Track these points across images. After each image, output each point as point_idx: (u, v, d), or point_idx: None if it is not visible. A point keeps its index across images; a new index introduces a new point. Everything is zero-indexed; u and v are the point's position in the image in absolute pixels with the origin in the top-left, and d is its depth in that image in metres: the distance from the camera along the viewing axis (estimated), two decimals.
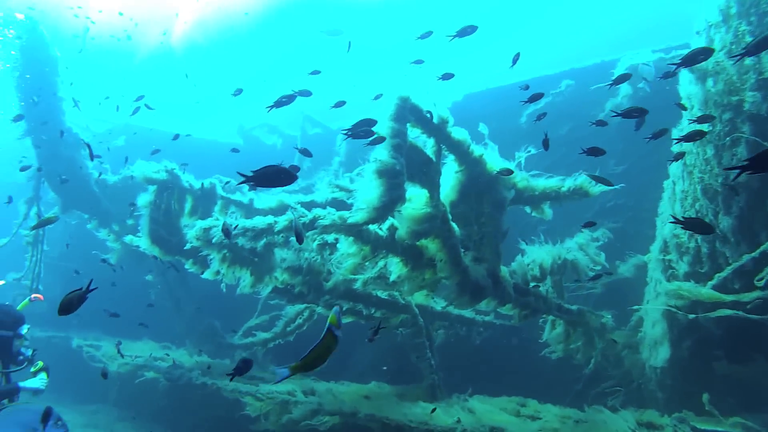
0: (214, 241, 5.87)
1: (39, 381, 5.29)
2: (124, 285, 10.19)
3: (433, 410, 6.98)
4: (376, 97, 7.90)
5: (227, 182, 8.56)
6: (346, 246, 5.64)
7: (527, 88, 6.76)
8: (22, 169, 9.03)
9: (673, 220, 4.77)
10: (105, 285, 10.38)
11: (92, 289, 3.30)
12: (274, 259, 6.37)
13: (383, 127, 5.34)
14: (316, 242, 6.01)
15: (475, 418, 6.80)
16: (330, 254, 6.32)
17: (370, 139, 5.16)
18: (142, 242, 7.23)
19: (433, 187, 5.76)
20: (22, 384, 5.15)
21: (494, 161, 6.55)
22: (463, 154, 6.33)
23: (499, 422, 6.53)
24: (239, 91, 7.64)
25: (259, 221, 5.66)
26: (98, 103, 11.64)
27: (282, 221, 5.54)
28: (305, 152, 5.31)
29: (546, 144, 6.17)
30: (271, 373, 9.12)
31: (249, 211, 8.16)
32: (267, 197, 8.25)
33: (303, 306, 8.29)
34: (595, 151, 5.69)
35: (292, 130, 17.20)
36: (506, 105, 11.79)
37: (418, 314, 7.88)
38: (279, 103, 5.34)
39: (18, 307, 5.73)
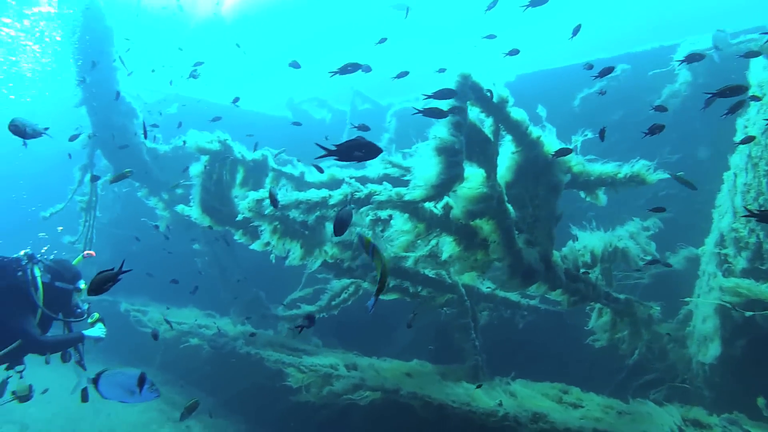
0: (266, 212, 5.90)
1: (99, 330, 5.57)
2: (174, 253, 10.40)
3: (479, 386, 6.95)
4: (440, 71, 7.79)
5: (279, 153, 8.57)
6: (401, 223, 5.60)
7: (591, 67, 6.56)
8: (72, 139, 9.21)
9: (746, 213, 4.57)
10: (155, 252, 10.63)
11: (125, 271, 3.38)
12: (324, 233, 6.38)
13: (444, 105, 5.25)
14: (369, 217, 5.97)
15: (516, 402, 6.74)
16: (382, 230, 6.29)
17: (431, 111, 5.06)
18: (193, 212, 7.31)
19: (490, 167, 5.67)
20: (86, 332, 5.43)
21: (551, 143, 6.41)
22: (521, 135, 6.20)
23: (541, 408, 6.46)
24: (296, 64, 7.60)
25: (314, 194, 5.65)
26: (151, 70, 11.76)
27: (336, 195, 5.52)
28: (363, 127, 5.26)
29: (602, 135, 6.02)
30: (314, 346, 9.22)
31: (300, 183, 8.16)
32: (317, 171, 8.23)
33: (349, 281, 8.31)
34: (654, 129, 5.50)
35: (342, 105, 17.16)
36: (559, 87, 11.55)
37: (465, 294, 7.82)
38: (344, 70, 5.28)
39: (73, 262, 5.92)
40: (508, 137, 6.32)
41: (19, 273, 5.23)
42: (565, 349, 9.05)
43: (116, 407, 8.78)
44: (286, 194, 5.82)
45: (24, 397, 5.17)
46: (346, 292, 8.57)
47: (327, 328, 9.59)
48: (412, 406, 6.89)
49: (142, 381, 3.58)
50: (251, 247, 6.76)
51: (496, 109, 5.91)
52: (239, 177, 7.90)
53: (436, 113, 4.94)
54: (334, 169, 8.16)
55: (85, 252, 6.38)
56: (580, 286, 6.95)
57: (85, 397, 5.28)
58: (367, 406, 7.12)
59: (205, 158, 7.46)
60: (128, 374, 3.57)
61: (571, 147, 6.48)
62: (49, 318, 5.39)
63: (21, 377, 5.32)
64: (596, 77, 6.24)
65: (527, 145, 6.30)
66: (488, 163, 5.71)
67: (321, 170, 5.84)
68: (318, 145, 3.16)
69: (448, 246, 5.87)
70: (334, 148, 3.12)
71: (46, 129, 4.13)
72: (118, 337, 8.30)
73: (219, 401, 9.35)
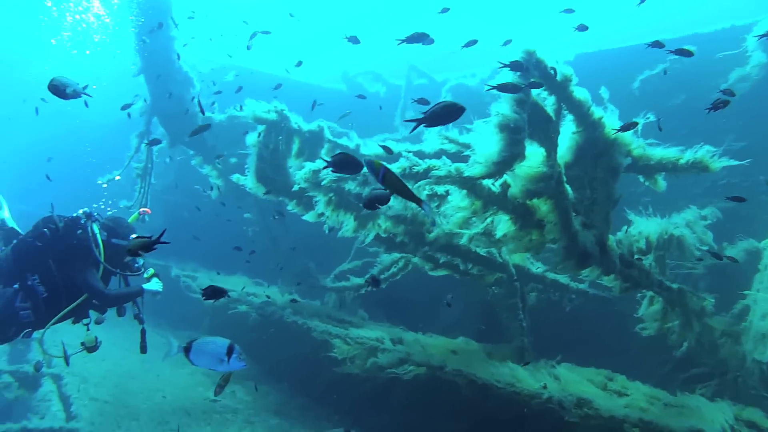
0: (323, 183, 5.94)
1: (157, 284, 5.77)
2: (223, 221, 10.60)
3: (526, 363, 6.93)
4: (505, 43, 7.65)
5: (344, 115, 8.55)
6: (459, 199, 5.57)
7: (661, 45, 6.31)
8: (124, 108, 9.42)
9: None
10: (208, 219, 10.84)
11: (162, 242, 3.50)
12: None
13: (507, 80, 5.16)
14: (426, 192, 5.95)
15: (560, 386, 6.69)
16: (437, 206, 6.27)
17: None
18: (248, 181, 7.42)
19: (551, 146, 5.57)
20: (145, 286, 5.65)
21: (613, 125, 6.25)
22: (583, 116, 6.05)
23: (586, 394, 6.39)
24: (355, 39, 7.56)
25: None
26: (209, 39, 11.89)
27: (394, 169, 5.52)
28: (423, 101, 5.20)
29: (659, 125, 5.85)
30: (360, 318, 9.31)
31: (355, 155, 8.17)
32: (373, 144, 8.21)
33: (398, 255, 8.33)
34: (718, 104, 5.31)
35: (396, 80, 17.07)
36: (619, 68, 11.19)
37: (515, 274, 7.76)
38: (411, 39, 5.23)
39: (129, 220, 6.12)
40: (569, 117, 6.20)
41: (79, 231, 5.43)
42: (612, 336, 8.92)
43: (165, 369, 9.08)
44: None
45: (92, 347, 5.39)
46: (395, 266, 8.59)
47: (374, 301, 9.67)
48: (456, 384, 6.92)
49: (230, 350, 3.70)
50: (304, 217, 6.84)
51: (559, 88, 5.78)
52: (295, 147, 7.95)
53: (510, 88, 4.85)
54: (389, 142, 8.13)
55: (141, 209, 6.57)
56: (634, 273, 6.79)
57: (143, 349, 5.52)
58: (410, 380, 7.18)
59: (261, 127, 7.53)
60: (218, 343, 3.74)
61: (637, 121, 6.32)
62: (108, 273, 5.61)
63: (87, 330, 5.55)
64: (672, 52, 5.97)
65: (588, 125, 6.15)
66: (549, 142, 5.61)
67: (390, 151, 5.75)
68: (406, 120, 3.41)
69: (503, 224, 5.82)
70: (422, 115, 3.15)
71: (86, 87, 4.06)
72: (168, 301, 8.58)
73: (264, 368, 9.54)
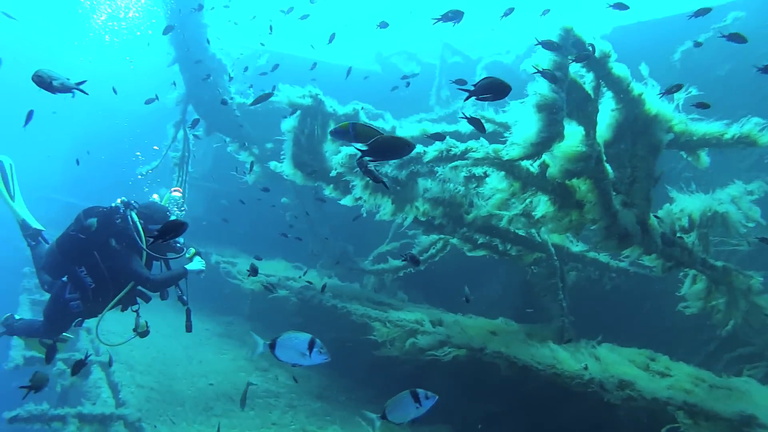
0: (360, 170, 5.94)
1: (199, 263, 5.97)
2: (261, 206, 10.70)
3: (568, 340, 6.89)
4: (544, 13, 7.51)
5: (395, 88, 8.51)
6: (497, 181, 5.54)
7: (707, 11, 6.08)
8: (148, 102, 9.54)
9: None
10: (246, 205, 10.96)
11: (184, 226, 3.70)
12: (417, 189, 6.38)
13: (544, 59, 5.08)
14: (463, 174, 5.91)
15: (601, 367, 6.63)
16: (476, 187, 6.24)
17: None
18: (285, 167, 7.48)
19: (590, 125, 5.47)
20: (188, 266, 5.82)
21: (653, 101, 6.09)
22: (623, 92, 5.91)
23: (628, 375, 6.30)
24: (384, 24, 7.52)
25: None
26: (234, 23, 11.91)
27: (431, 152, 5.50)
28: (461, 81, 5.14)
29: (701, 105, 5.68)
30: (400, 301, 9.36)
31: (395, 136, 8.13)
32: (409, 125, 8.16)
33: (437, 236, 8.33)
34: None
35: (431, 59, 16.88)
36: (659, 41, 10.84)
37: (554, 254, 7.69)
38: (446, 18, 5.19)
39: (162, 202, 6.29)
40: (608, 94, 6.07)
41: (119, 220, 5.57)
42: (653, 314, 8.79)
43: (207, 355, 9.30)
44: None
45: (143, 333, 5.57)
46: (434, 248, 8.57)
47: (413, 282, 9.68)
48: (496, 365, 6.93)
49: (312, 345, 3.89)
50: (342, 202, 6.87)
51: (597, 65, 5.66)
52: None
53: (549, 76, 4.77)
54: (425, 123, 8.07)
55: (172, 189, 6.69)
56: (676, 252, 6.66)
57: (189, 328, 5.67)
58: (450, 362, 7.21)
59: (297, 113, 7.56)
60: (300, 338, 3.94)
61: (670, 108, 6.15)
62: (150, 259, 5.76)
63: (138, 315, 5.73)
64: (724, 37, 5.75)
65: (628, 102, 6.02)
66: (588, 120, 5.52)
67: (441, 138, 5.73)
68: (459, 88, 3.48)
69: (542, 205, 5.76)
70: (471, 88, 3.18)
71: (81, 83, 3.74)
72: (209, 286, 8.74)
73: None
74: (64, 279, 5.65)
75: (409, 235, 9.66)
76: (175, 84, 10.48)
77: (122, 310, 5.81)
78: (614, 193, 5.79)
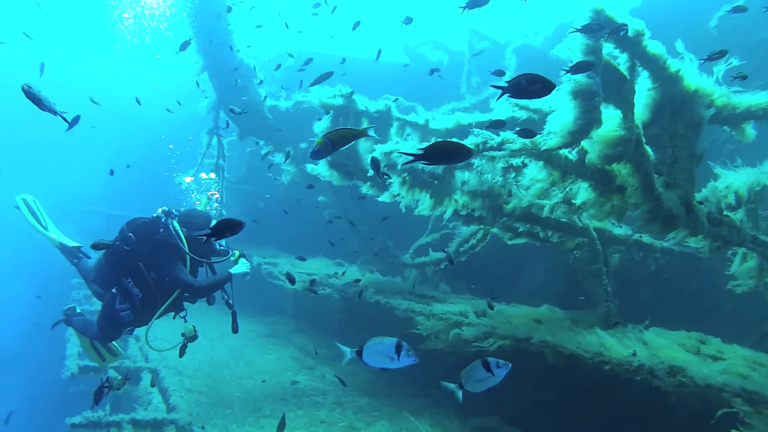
0: (398, 167, 5.95)
1: (243, 266, 5.98)
2: (299, 205, 10.80)
3: (615, 323, 6.79)
4: None
5: (396, 99, 8.50)
6: (536, 171, 5.47)
7: None
8: (172, 108, 9.64)
9: None
10: (284, 205, 11.06)
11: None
12: (454, 182, 6.35)
13: (575, 44, 4.99)
14: (501, 164, 5.85)
15: (650, 352, 6.51)
16: (514, 177, 6.18)
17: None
18: (321, 169, 7.51)
19: (627, 107, 5.35)
20: (232, 270, 5.86)
21: (692, 77, 5.91)
22: (659, 70, 5.76)
23: (678, 360, 6.17)
24: (409, 20, 7.48)
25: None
26: (257, 27, 11.98)
27: (467, 144, 5.46)
28: (499, 73, 5.08)
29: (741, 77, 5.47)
30: (442, 292, 9.37)
31: (425, 132, 8.08)
32: (443, 117, 8.10)
33: (477, 227, 8.28)
34: None
35: (458, 46, 16.75)
36: (693, 9, 10.50)
37: (596, 238, 7.58)
38: (473, 4, 5.12)
39: (200, 209, 6.43)
40: (644, 73, 5.92)
41: (161, 230, 5.66)
42: (701, 294, 8.58)
43: (253, 356, 9.42)
44: (417, 146, 5.84)
45: (191, 337, 5.68)
46: (474, 238, 8.53)
47: (454, 272, 9.65)
48: (542, 354, 6.88)
49: (399, 348, 3.90)
50: (380, 199, 6.88)
51: (631, 45, 5.52)
52: None
53: (584, 66, 4.68)
54: (458, 114, 8.00)
55: (209, 193, 6.77)
56: (724, 231, 6.48)
57: (235, 329, 5.74)
58: (495, 352, 7.18)
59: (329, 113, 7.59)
60: (386, 343, 3.95)
61: (710, 81, 5.96)
62: (196, 265, 5.84)
63: (185, 321, 5.85)
64: None
65: (665, 80, 5.86)
66: (624, 103, 5.39)
67: (502, 125, 5.62)
68: (493, 86, 3.16)
69: (583, 192, 5.67)
70: (506, 84, 3.06)
71: (63, 113, 3.62)
72: (252, 287, 8.86)
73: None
74: (113, 290, 5.80)
75: (448, 226, 9.61)
76: (203, 91, 10.61)
77: (174, 318, 5.95)
78: (656, 175, 5.66)
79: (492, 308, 7.17)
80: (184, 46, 9.56)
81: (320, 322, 10.51)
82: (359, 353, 4.00)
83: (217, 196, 7.06)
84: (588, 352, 6.50)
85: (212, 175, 10.60)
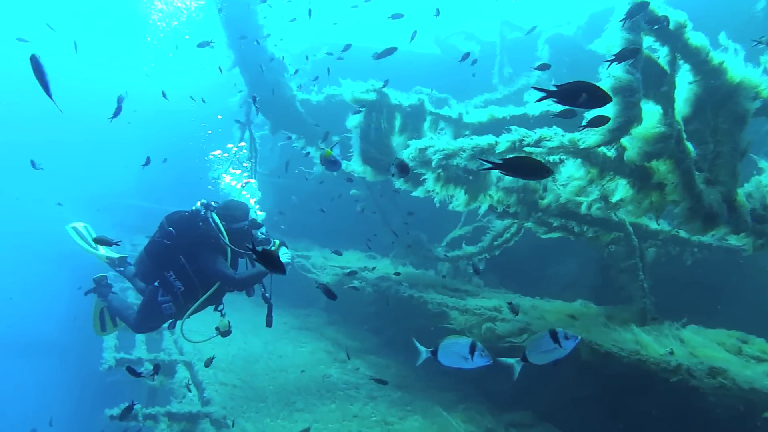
0: (434, 163, 5.91)
1: (284, 255, 5.93)
2: (332, 198, 10.83)
3: (653, 318, 6.68)
4: None
5: (430, 91, 8.45)
6: (574, 169, 5.40)
7: None
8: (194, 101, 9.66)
9: None
10: (316, 199, 11.11)
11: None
12: (489, 177, 6.30)
13: (615, 38, 4.88)
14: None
15: (688, 351, 6.38)
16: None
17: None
18: (354, 164, 7.52)
19: (667, 102, 5.22)
20: None
21: (736, 68, 5.73)
22: (701, 63, 5.61)
23: (718, 360, 6.02)
24: (438, 12, 7.42)
25: (482, 140, 5.56)
26: (291, 20, 11.97)
27: (503, 142, 5.39)
28: (543, 66, 4.95)
29: None
30: (475, 286, 9.33)
31: (458, 126, 8.01)
32: (477, 111, 8.01)
33: (510, 221, 8.21)
34: None
35: (490, 37, 16.57)
36: None
37: (632, 233, 7.45)
38: None
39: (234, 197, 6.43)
40: (684, 66, 5.76)
41: (201, 223, 5.69)
42: (742, 290, 8.38)
43: (286, 349, 9.48)
44: (452, 142, 5.81)
45: (225, 332, 5.71)
46: (508, 232, 8.47)
47: (487, 266, 9.59)
48: (578, 351, 6.80)
49: (473, 348, 3.94)
50: (413, 194, 6.86)
51: (672, 38, 5.38)
52: (397, 124, 7.93)
53: (629, 54, 4.55)
54: (492, 108, 7.92)
55: (244, 180, 6.77)
56: None
57: (269, 323, 5.73)
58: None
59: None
60: (461, 343, 4.02)
61: (757, 72, 5.76)
62: (236, 257, 5.85)
63: (222, 315, 5.91)
64: None
65: (707, 73, 5.70)
66: (665, 98, 5.26)
67: (573, 115, 5.48)
68: (535, 87, 3.07)
69: (621, 189, 5.57)
70: (554, 88, 2.90)
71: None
72: (284, 280, 8.95)
73: (382, 341, 9.79)
74: (155, 284, 5.90)
75: (481, 219, 9.55)
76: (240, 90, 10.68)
77: (215, 310, 6.00)
78: (697, 172, 5.52)
79: (516, 313, 7.13)
80: (202, 44, 9.64)
81: (353, 315, 10.54)
82: (434, 353, 4.07)
83: (253, 183, 7.07)
84: (624, 350, 6.40)
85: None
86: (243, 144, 11.07)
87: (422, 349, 4.23)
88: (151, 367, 7.78)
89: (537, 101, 2.98)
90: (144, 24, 27.99)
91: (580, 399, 6.98)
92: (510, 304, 7.15)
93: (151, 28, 27.46)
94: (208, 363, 5.94)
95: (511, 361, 4.28)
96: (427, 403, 7.68)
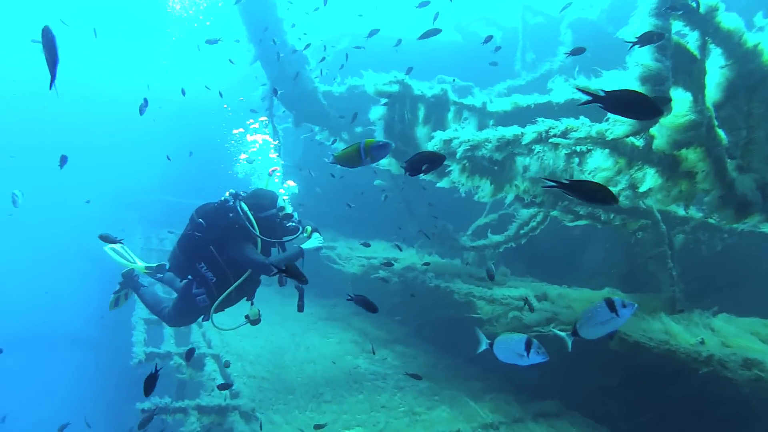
0: (458, 155, 5.88)
1: (316, 240, 5.91)
2: (357, 189, 10.81)
3: (680, 311, 6.58)
4: None
5: (453, 80, 8.37)
6: (602, 159, 5.32)
7: None
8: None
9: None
10: (341, 190, 11.10)
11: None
12: (515, 168, 6.24)
13: (643, 25, 4.78)
14: (565, 151, 5.69)
15: (719, 341, 6.26)
16: (579, 164, 6.01)
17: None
18: None
19: (698, 89, 5.11)
20: (304, 246, 5.77)
21: None
22: (734, 47, 5.47)
23: (753, 351, 5.87)
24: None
25: (507, 132, 5.51)
26: (305, 13, 11.95)
27: (529, 133, 5.34)
28: (578, 51, 4.80)
29: None
30: (502, 275, 9.28)
31: (482, 115, 7.93)
32: (500, 100, 7.92)
33: (536, 209, 8.14)
34: None
35: (511, 23, 16.37)
36: None
37: (660, 220, 7.33)
38: None
39: (265, 188, 6.35)
40: (715, 51, 5.62)
41: (231, 214, 5.69)
42: None
43: (314, 341, 9.51)
44: (477, 133, 5.78)
45: (255, 320, 5.69)
46: (534, 221, 8.38)
47: (514, 253, 9.54)
48: (604, 339, 6.74)
49: (529, 345, 3.93)
50: (439, 185, 6.83)
51: (703, 21, 5.25)
52: (421, 115, 7.88)
53: (654, 37, 4.44)
54: (516, 96, 7.83)
55: (270, 170, 6.75)
56: None
57: (301, 308, 5.78)
58: (555, 336, 7.09)
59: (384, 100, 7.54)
60: (516, 339, 4.00)
61: None
62: (267, 245, 5.83)
63: (252, 304, 5.89)
64: None
65: (741, 57, 5.55)
66: (695, 84, 5.15)
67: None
68: (579, 89, 2.95)
69: (649, 178, 5.48)
70: (602, 93, 2.76)
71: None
72: (311, 271, 8.98)
73: (409, 330, 9.82)
74: (189, 277, 5.95)
75: (506, 207, 9.48)
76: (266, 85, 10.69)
77: (248, 300, 5.98)
78: (729, 159, 5.41)
79: (532, 310, 7.10)
80: (211, 42, 9.66)
81: (380, 305, 10.52)
82: (491, 345, 4.09)
83: (278, 171, 7.06)
84: (653, 340, 6.31)
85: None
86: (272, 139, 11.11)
87: (483, 339, 4.23)
88: (181, 361, 7.91)
89: (582, 104, 2.81)
90: (162, 14, 28.17)
91: (607, 388, 6.94)
92: (526, 301, 7.10)
93: (171, 17, 27.60)
94: (255, 322, 5.87)
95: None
96: (455, 393, 7.68)
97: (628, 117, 2.91)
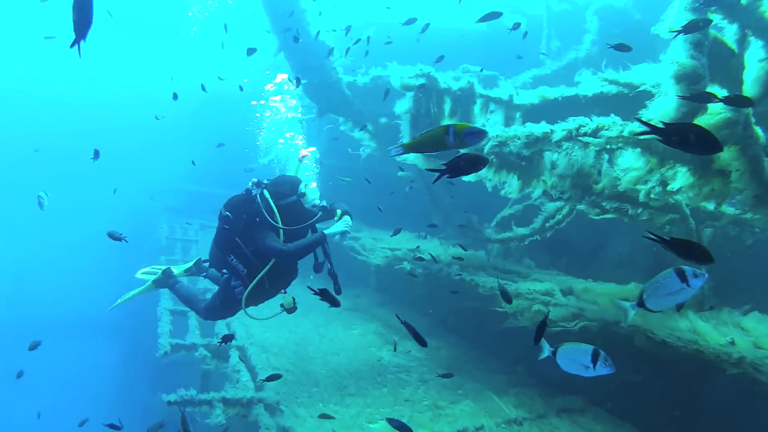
0: (486, 150, 5.83)
1: (342, 224, 5.65)
2: (381, 180, 10.77)
3: (711, 307, 6.48)
4: None
5: (480, 69, 8.26)
6: (633, 159, 5.23)
7: None
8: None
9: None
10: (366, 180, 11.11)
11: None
12: (543, 163, 6.16)
13: (680, 19, 4.65)
14: (594, 149, 5.61)
15: (750, 342, 6.14)
16: (609, 161, 5.92)
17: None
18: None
19: (734, 85, 4.99)
20: (327, 231, 5.56)
21: None
22: None
23: None
24: None
25: (536, 129, 5.44)
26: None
27: (559, 131, 5.27)
28: (623, 47, 4.65)
29: None
30: (526, 267, 9.23)
31: (509, 107, 7.84)
32: (527, 93, 7.82)
33: (563, 203, 8.04)
34: None
35: (536, 10, 16.10)
36: None
37: (689, 215, 7.21)
38: None
39: (292, 172, 6.22)
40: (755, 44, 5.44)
41: (254, 203, 5.58)
42: None
43: (338, 333, 9.50)
44: (505, 130, 5.71)
45: (290, 309, 5.62)
46: (560, 214, 8.27)
47: (538, 245, 9.47)
48: (631, 338, 6.68)
49: (595, 356, 3.83)
50: (465, 179, 6.76)
51: (743, 13, 5.08)
52: (447, 108, 7.81)
53: (700, 25, 4.29)
54: (543, 88, 7.70)
55: (300, 155, 6.62)
56: None
57: (338, 291, 5.57)
58: (580, 331, 7.04)
59: (410, 93, 7.49)
60: (581, 349, 3.91)
61: None
62: (293, 232, 5.62)
63: (284, 292, 5.87)
64: None
65: None
66: (732, 80, 5.03)
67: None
68: (639, 120, 2.75)
69: (681, 176, 5.37)
70: (661, 125, 2.58)
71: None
72: (335, 261, 9.01)
73: (434, 321, 9.82)
74: (224, 271, 5.94)
75: (530, 197, 9.40)
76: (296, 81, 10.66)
77: (283, 292, 5.95)
78: (766, 158, 5.27)
79: (546, 324, 7.00)
80: (251, 51, 9.62)
81: (403, 296, 10.56)
82: (554, 353, 3.98)
83: (307, 154, 6.90)
84: (681, 339, 6.21)
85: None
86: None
87: (546, 347, 4.07)
88: (206, 353, 7.99)
89: (639, 134, 2.59)
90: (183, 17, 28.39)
91: (632, 385, 6.88)
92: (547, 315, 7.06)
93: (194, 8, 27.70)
94: (291, 310, 5.80)
95: (626, 304, 4.05)
96: (478, 386, 7.66)
97: (687, 152, 2.71)
